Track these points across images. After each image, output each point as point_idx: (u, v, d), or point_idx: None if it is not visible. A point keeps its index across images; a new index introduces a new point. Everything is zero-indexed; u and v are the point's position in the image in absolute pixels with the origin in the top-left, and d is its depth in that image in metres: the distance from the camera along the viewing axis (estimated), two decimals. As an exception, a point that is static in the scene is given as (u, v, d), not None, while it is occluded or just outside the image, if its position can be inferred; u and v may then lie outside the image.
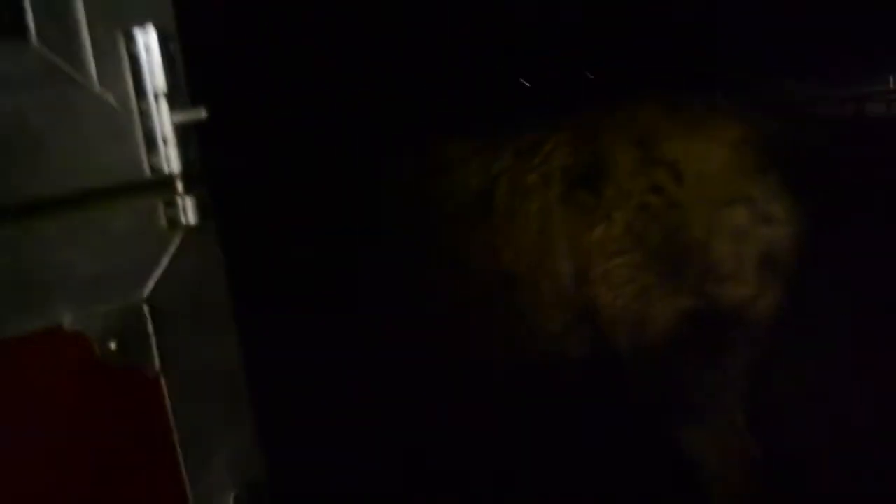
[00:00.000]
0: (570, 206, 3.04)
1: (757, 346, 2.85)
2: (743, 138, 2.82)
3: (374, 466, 3.29)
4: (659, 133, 2.93)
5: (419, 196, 3.40)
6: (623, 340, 2.95)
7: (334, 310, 3.29)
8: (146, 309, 2.04)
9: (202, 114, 1.95)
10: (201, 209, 2.01)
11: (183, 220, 2.03)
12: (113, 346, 2.02)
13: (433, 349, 3.32)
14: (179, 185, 2.02)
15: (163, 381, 2.07)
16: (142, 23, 1.88)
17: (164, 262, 2.06)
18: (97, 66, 1.89)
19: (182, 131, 1.95)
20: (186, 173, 1.99)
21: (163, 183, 2.04)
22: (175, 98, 1.92)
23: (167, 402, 2.08)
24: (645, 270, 2.91)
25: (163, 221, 2.06)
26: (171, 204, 2.04)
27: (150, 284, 2.05)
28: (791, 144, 2.83)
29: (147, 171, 2.02)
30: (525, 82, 3.73)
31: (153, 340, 2.05)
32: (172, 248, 2.06)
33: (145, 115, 1.95)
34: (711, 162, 2.82)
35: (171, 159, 1.99)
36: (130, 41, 1.90)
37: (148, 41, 1.89)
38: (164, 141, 1.96)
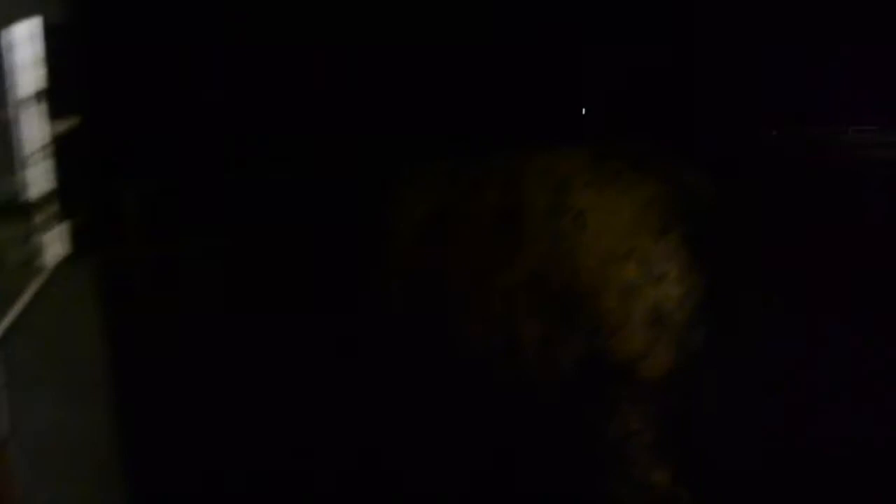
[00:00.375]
0: (494, 243, 3.02)
1: (655, 401, 2.79)
2: (652, 197, 2.81)
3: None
4: (575, 181, 2.92)
5: (376, 215, 3.41)
6: (534, 378, 2.92)
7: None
8: (-8, 360, 1.68)
9: (79, 123, 1.64)
10: (73, 243, 1.67)
11: (46, 255, 1.69)
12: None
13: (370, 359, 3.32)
14: (45, 213, 1.68)
15: (9, 449, 1.70)
16: (16, 19, 1.55)
17: (17, 304, 1.71)
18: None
19: (56, 146, 1.62)
20: (57, 198, 1.65)
21: (20, 209, 1.70)
22: (51, 106, 1.59)
23: (14, 473, 1.71)
24: (546, 313, 2.90)
25: (16, 256, 1.71)
26: (30, 236, 1.70)
27: (-2, 331, 1.69)
28: (702, 205, 2.83)
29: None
30: (582, 111, 3.69)
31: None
32: (29, 289, 1.71)
33: (7, 126, 1.61)
34: (615, 216, 2.83)
35: (35, 181, 1.66)
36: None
37: (20, 39, 1.56)
38: (30, 158, 1.63)
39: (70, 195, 1.61)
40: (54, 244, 1.65)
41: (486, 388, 3.15)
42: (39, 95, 1.52)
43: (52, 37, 1.51)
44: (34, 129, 1.56)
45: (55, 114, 1.54)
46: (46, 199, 1.63)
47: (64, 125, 1.54)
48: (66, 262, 1.66)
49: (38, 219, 1.67)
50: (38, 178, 1.63)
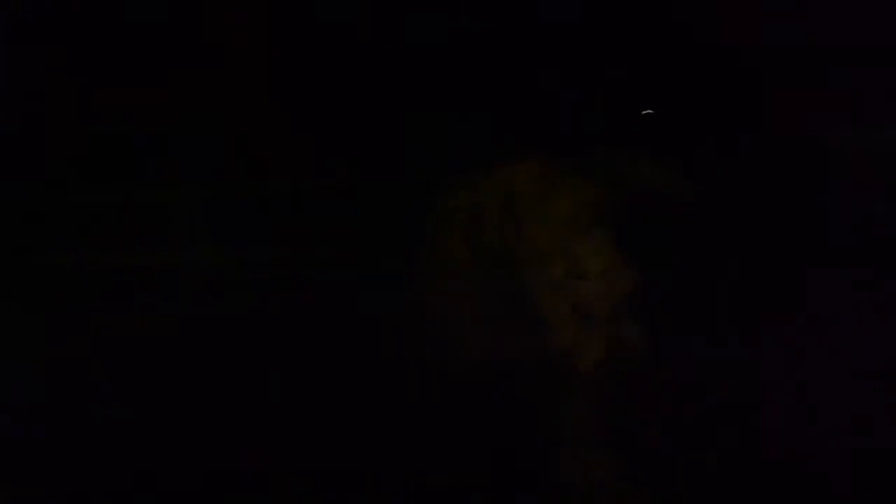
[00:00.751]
0: (464, 250, 3.32)
1: (591, 392, 3.06)
2: (580, 201, 3.09)
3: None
4: (522, 191, 3.20)
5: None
6: (488, 373, 3.16)
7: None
8: None
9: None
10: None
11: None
12: None
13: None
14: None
15: None
16: None
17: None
18: None
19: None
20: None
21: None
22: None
23: None
24: (498, 314, 3.18)
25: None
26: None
27: None
28: (637, 206, 3.09)
29: None
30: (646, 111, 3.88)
31: None
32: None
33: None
34: (546, 220, 3.10)
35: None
36: None
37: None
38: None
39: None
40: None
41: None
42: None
43: None
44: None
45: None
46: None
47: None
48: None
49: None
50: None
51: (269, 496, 3.37)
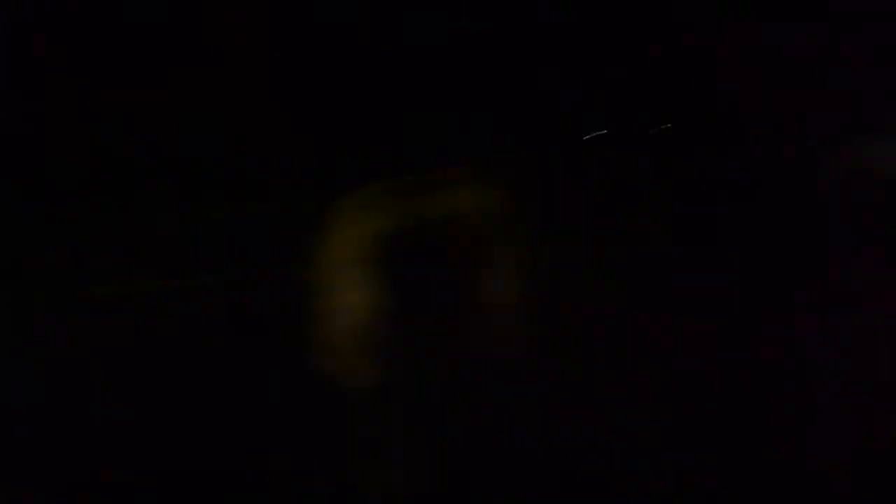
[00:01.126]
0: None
1: (370, 411, 3.20)
2: (355, 234, 3.25)
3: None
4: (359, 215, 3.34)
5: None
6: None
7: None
8: None
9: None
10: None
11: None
12: None
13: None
14: None
15: None
16: None
17: None
18: None
19: None
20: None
21: None
22: None
23: None
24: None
25: None
26: None
27: None
28: (422, 237, 3.23)
29: None
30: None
31: None
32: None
33: None
34: (334, 252, 3.28)
35: None
36: None
37: None
38: None
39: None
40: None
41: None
42: None
43: None
44: None
45: None
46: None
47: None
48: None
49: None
50: None
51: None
